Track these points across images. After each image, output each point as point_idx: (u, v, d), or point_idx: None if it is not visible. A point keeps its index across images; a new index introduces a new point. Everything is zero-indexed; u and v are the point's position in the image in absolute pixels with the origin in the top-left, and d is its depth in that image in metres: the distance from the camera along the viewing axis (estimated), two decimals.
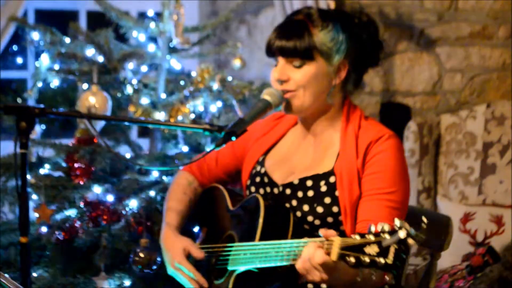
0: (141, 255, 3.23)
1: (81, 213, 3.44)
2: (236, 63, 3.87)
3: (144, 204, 3.39)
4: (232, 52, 3.95)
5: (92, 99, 3.62)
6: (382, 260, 1.91)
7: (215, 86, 3.75)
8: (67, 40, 3.75)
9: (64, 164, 3.58)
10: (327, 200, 2.37)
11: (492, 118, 4.31)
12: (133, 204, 3.40)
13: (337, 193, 2.37)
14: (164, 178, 3.54)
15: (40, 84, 3.75)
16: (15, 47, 4.66)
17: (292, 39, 2.37)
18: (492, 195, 4.23)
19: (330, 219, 2.37)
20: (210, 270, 2.49)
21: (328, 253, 2.03)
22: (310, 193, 2.39)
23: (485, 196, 4.25)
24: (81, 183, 3.51)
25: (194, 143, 3.81)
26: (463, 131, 4.35)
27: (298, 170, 2.47)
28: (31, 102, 3.77)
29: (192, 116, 3.74)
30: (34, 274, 3.36)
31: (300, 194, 2.41)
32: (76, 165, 3.52)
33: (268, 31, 3.69)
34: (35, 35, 3.76)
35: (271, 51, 2.42)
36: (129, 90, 3.74)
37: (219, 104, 3.80)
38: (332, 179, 2.39)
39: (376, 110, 4.60)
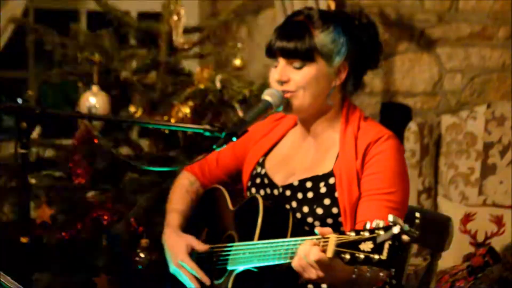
0: (141, 255, 3.23)
1: (81, 213, 3.44)
2: (236, 63, 3.87)
3: (144, 204, 3.39)
4: (232, 52, 3.95)
5: (93, 99, 3.62)
6: (376, 256, 1.91)
7: (215, 86, 3.75)
8: (67, 40, 3.75)
9: (64, 164, 3.58)
10: (327, 201, 2.37)
11: (492, 119, 4.31)
12: (133, 204, 3.40)
13: (336, 194, 2.36)
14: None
15: (40, 84, 3.75)
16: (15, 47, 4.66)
17: (293, 40, 2.37)
18: (493, 195, 4.23)
19: (329, 220, 2.37)
20: (211, 270, 2.49)
21: (324, 251, 2.04)
22: (310, 195, 2.39)
23: (485, 197, 4.25)
24: (81, 183, 3.51)
25: (194, 144, 3.80)
26: (463, 131, 4.35)
27: (298, 171, 2.46)
28: (31, 102, 3.77)
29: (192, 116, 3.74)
30: (34, 274, 3.36)
31: (299, 195, 2.41)
32: (76, 165, 3.52)
33: (268, 31, 3.69)
34: (35, 35, 3.76)
35: (272, 52, 2.42)
36: (129, 90, 3.74)
37: (219, 104, 3.80)
38: (331, 181, 2.38)
39: (376, 111, 4.60)
